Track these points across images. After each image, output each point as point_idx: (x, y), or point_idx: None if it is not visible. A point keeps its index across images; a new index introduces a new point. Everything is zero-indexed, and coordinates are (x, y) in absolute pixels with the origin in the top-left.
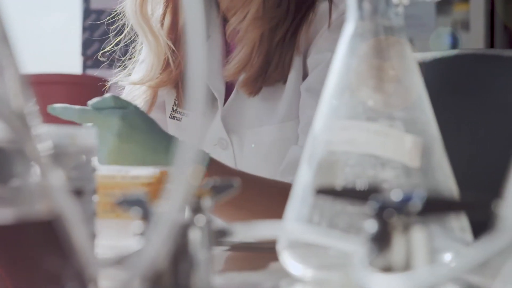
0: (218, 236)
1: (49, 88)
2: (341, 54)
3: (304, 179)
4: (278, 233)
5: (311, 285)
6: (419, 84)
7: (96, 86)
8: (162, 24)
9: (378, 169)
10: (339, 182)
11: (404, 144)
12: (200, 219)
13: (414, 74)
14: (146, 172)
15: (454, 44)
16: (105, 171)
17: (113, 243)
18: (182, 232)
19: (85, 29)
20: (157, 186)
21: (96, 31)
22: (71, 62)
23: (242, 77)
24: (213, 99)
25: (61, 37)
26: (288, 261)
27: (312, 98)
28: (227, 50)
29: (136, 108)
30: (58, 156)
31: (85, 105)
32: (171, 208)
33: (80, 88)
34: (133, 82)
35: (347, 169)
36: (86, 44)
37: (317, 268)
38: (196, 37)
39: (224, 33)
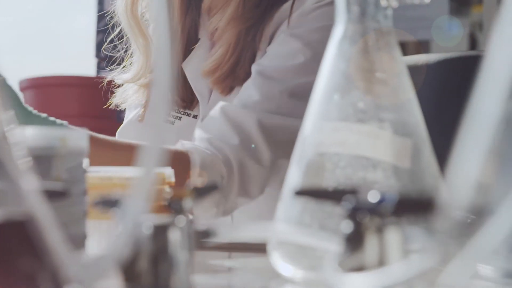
0: (201, 237)
1: (63, 90)
2: (330, 56)
3: (293, 181)
4: (264, 234)
5: (301, 286)
6: (408, 86)
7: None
8: None
9: (369, 171)
10: (328, 184)
11: (394, 146)
12: (181, 220)
13: (403, 76)
14: None
15: (472, 45)
16: (102, 172)
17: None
18: (162, 232)
19: (99, 31)
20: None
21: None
22: (86, 64)
23: (213, 77)
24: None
25: (80, 38)
26: (278, 261)
27: (256, 72)
28: (211, 50)
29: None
30: (48, 157)
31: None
32: (133, 208)
33: (94, 90)
34: (125, 80)
35: (337, 170)
36: (100, 46)
37: (307, 269)
38: (162, 42)
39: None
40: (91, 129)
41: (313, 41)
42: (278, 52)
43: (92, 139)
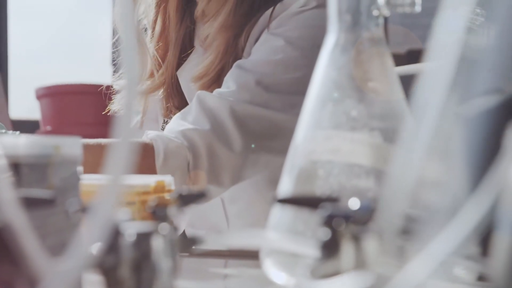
0: (188, 245)
1: (79, 98)
2: (322, 65)
3: (285, 188)
4: (253, 242)
5: None
6: (399, 94)
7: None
8: (153, 29)
9: (362, 178)
10: (320, 191)
11: (387, 153)
12: (164, 227)
13: (394, 85)
14: (142, 181)
15: None
16: (99, 180)
17: None
18: (145, 240)
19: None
20: (153, 196)
21: None
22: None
23: (199, 82)
24: None
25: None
26: (271, 269)
27: (235, 65)
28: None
29: None
30: (42, 165)
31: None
32: (102, 214)
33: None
34: (122, 86)
35: (331, 178)
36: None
37: (300, 276)
38: (129, 53)
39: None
40: (107, 137)
41: (294, 38)
42: (259, 48)
43: (86, 146)
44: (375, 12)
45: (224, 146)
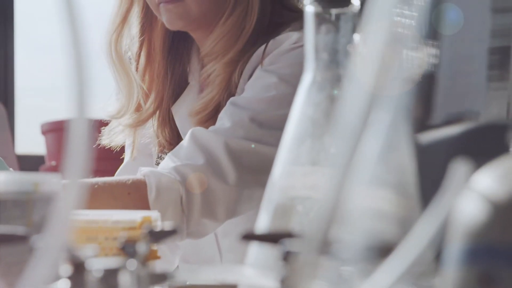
0: (157, 280)
1: None
2: (299, 103)
3: (262, 224)
4: (224, 278)
5: None
6: None
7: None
8: (138, 62)
9: None
10: (298, 227)
11: None
12: (132, 263)
13: None
14: (128, 217)
15: None
16: (87, 216)
17: None
18: (112, 276)
19: None
20: (139, 232)
21: None
22: None
23: (197, 117)
24: None
25: None
26: None
27: (229, 102)
28: (201, 93)
29: None
30: (21, 202)
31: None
32: (52, 247)
33: None
34: (110, 115)
35: (310, 214)
36: None
37: None
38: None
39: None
40: (114, 171)
41: (287, 75)
42: (252, 85)
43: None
44: (351, 50)
45: (219, 180)
